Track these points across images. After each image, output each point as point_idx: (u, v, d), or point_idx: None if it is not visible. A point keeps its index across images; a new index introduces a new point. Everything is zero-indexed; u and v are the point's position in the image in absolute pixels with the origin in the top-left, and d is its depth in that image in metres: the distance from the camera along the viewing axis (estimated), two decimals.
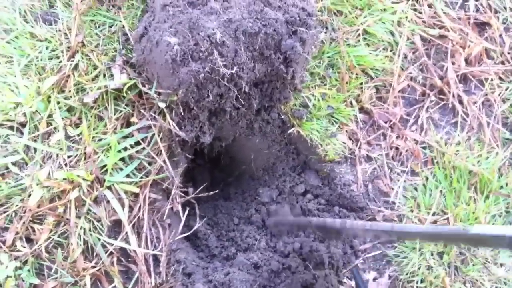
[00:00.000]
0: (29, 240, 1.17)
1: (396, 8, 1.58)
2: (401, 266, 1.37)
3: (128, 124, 1.27)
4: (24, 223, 1.15)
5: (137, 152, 1.25)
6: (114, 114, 1.25)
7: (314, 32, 1.23)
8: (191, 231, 1.28)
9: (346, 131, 1.47)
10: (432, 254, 1.38)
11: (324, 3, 1.51)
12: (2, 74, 1.23)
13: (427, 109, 1.56)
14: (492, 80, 1.60)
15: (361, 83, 1.51)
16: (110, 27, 1.33)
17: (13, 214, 1.16)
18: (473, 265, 1.38)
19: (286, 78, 1.24)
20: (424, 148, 1.51)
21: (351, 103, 1.49)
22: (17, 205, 1.16)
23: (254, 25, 1.13)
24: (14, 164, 1.19)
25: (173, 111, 1.25)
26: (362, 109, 1.51)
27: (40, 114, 1.21)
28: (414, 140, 1.51)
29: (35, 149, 1.20)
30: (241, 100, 1.22)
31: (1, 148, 1.19)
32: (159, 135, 1.25)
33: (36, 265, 1.17)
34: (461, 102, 1.57)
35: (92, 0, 1.31)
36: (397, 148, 1.51)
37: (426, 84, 1.58)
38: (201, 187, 1.30)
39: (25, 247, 1.15)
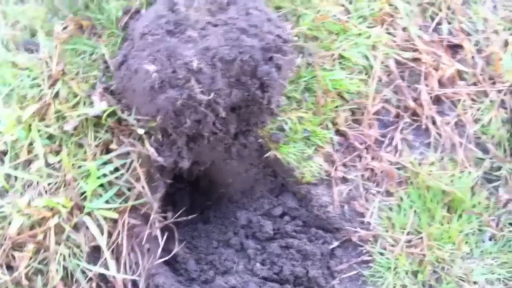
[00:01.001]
0: (9, 268, 1.19)
1: (371, 33, 1.62)
2: (376, 285, 1.40)
3: (108, 150, 1.29)
4: (4, 250, 1.17)
5: (116, 178, 1.27)
6: (94, 141, 1.28)
7: (290, 58, 1.26)
8: (169, 255, 1.30)
9: (323, 153, 1.51)
10: (406, 273, 1.41)
11: (301, 29, 1.55)
12: None
13: (401, 131, 1.59)
14: (464, 101, 1.65)
15: (337, 106, 1.55)
16: (91, 55, 1.36)
17: None
18: (447, 283, 1.41)
19: (263, 103, 1.27)
20: (398, 168, 1.55)
21: (327, 126, 1.53)
22: None
23: (231, 52, 1.16)
24: None
25: (152, 137, 1.28)
26: (338, 132, 1.55)
27: (21, 142, 1.23)
28: (389, 161, 1.55)
29: (16, 177, 1.22)
30: (219, 125, 1.25)
31: None
32: (138, 161, 1.28)
33: None
34: (434, 123, 1.61)
35: (74, 29, 1.34)
36: (372, 169, 1.54)
37: (400, 106, 1.63)
38: (180, 212, 1.33)
39: (5, 275, 1.17)
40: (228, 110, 1.27)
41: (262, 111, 1.34)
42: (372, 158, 1.55)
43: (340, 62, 1.58)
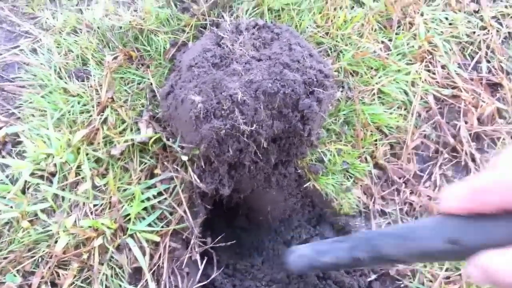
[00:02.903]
0: (53, 285, 1.23)
1: (410, 69, 1.66)
2: None
3: (152, 175, 1.34)
4: (49, 268, 1.21)
5: (159, 202, 1.32)
6: (139, 166, 1.32)
7: (330, 92, 1.30)
8: (208, 280, 1.32)
9: (361, 185, 1.52)
10: None
11: (341, 64, 1.59)
12: (36, 127, 1.31)
13: (440, 166, 1.61)
14: (504, 139, 1.66)
15: (376, 140, 1.57)
16: (139, 84, 1.42)
17: (40, 259, 1.23)
18: None
19: (303, 135, 1.31)
20: (437, 204, 1.53)
21: (365, 159, 1.55)
22: (43, 251, 1.22)
23: (274, 85, 1.21)
24: (42, 211, 1.26)
25: (195, 164, 1.33)
26: (376, 165, 1.57)
27: (69, 164, 1.28)
28: (428, 196, 1.55)
29: (63, 198, 1.27)
30: (260, 155, 1.29)
31: (31, 196, 1.26)
32: (180, 187, 1.32)
33: None
34: (473, 160, 1.62)
35: (123, 59, 1.40)
36: (411, 204, 1.55)
37: (440, 142, 1.64)
38: (219, 238, 1.35)
39: None
40: (269, 140, 1.31)
41: (302, 143, 1.38)
42: (411, 193, 1.56)
43: (379, 97, 1.62)
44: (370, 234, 0.82)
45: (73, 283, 1.22)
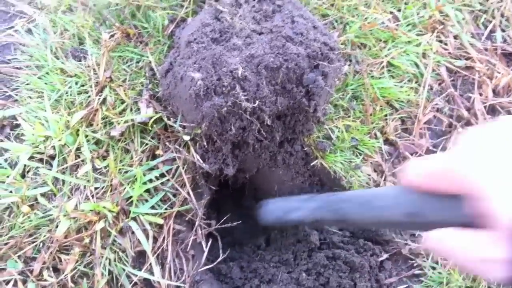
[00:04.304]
0: (55, 270, 1.23)
1: (420, 40, 1.63)
2: None
3: (154, 156, 1.34)
4: (51, 253, 1.21)
5: (162, 184, 1.31)
6: (140, 147, 1.32)
7: (336, 66, 1.28)
8: (214, 263, 1.31)
9: (371, 163, 1.51)
10: None
11: (348, 37, 1.57)
12: (33, 109, 1.31)
13: (454, 141, 1.57)
14: None
15: (386, 115, 1.55)
16: (138, 62, 1.41)
17: (41, 244, 1.23)
18: None
19: (309, 111, 1.29)
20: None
21: (375, 135, 1.53)
22: (45, 236, 1.23)
23: (276, 60, 1.19)
24: (43, 195, 1.26)
25: (197, 144, 1.32)
26: (387, 141, 1.55)
27: (68, 147, 1.28)
28: None
29: (63, 181, 1.27)
30: (264, 133, 1.27)
31: (31, 180, 1.26)
32: (183, 167, 1.32)
33: None
34: None
35: (120, 37, 1.39)
36: None
37: (453, 115, 1.62)
38: (224, 218, 1.35)
39: (51, 277, 1.21)
40: (274, 117, 1.29)
41: (308, 119, 1.36)
42: None
43: (389, 70, 1.60)
44: (336, 197, 0.85)
45: (75, 268, 1.22)
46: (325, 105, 1.38)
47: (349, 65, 1.56)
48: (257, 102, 1.18)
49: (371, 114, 1.53)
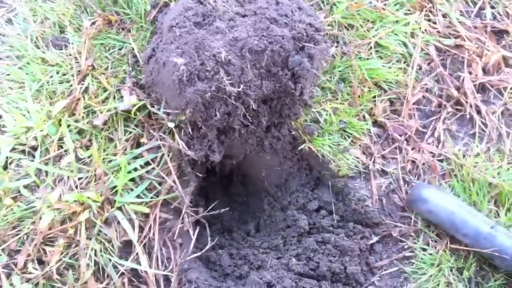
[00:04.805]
0: (40, 262, 1.23)
1: (409, 20, 1.61)
2: (419, 283, 1.38)
3: (138, 145, 1.33)
4: (35, 245, 1.20)
5: (147, 172, 1.30)
6: (124, 135, 1.31)
7: (323, 47, 1.26)
8: (202, 251, 1.31)
9: (360, 145, 1.50)
10: (451, 270, 1.38)
11: (334, 18, 1.55)
12: (14, 99, 1.30)
13: (444, 121, 1.57)
14: (511, 89, 1.60)
15: (374, 97, 1.54)
16: (120, 49, 1.40)
17: (25, 236, 1.22)
18: (495, 281, 1.38)
19: (295, 94, 1.28)
20: (441, 161, 1.52)
21: (364, 117, 1.52)
22: (28, 228, 1.22)
23: (260, 42, 1.17)
24: (25, 187, 1.25)
25: (182, 131, 1.31)
26: (375, 123, 1.54)
27: (51, 137, 1.27)
28: (431, 152, 1.53)
29: (46, 172, 1.26)
30: (250, 118, 1.26)
31: (13, 171, 1.25)
32: (168, 155, 1.31)
33: (47, 287, 1.21)
34: (479, 112, 1.58)
35: (102, 24, 1.37)
36: (413, 162, 1.53)
37: (442, 95, 1.60)
38: (212, 205, 1.34)
39: (36, 269, 1.20)
40: (259, 102, 1.28)
41: (295, 103, 1.34)
42: (413, 150, 1.53)
43: (377, 51, 1.58)
44: None
45: (61, 259, 1.21)
46: (312, 88, 1.36)
47: (336, 46, 1.54)
48: (241, 86, 1.17)
49: (359, 96, 1.51)
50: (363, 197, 1.47)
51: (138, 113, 1.30)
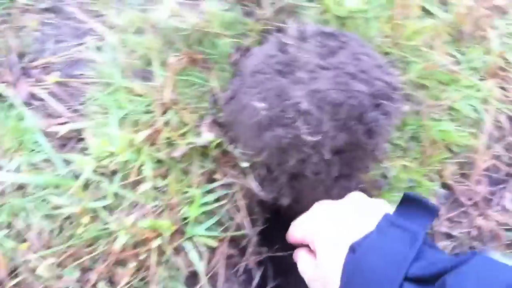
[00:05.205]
0: (110, 282, 1.33)
1: (482, 86, 1.71)
2: None
3: (212, 180, 1.44)
4: (107, 265, 1.32)
5: (218, 207, 1.42)
6: (199, 170, 1.42)
7: (398, 106, 1.35)
8: None
9: None
10: None
11: (409, 77, 1.66)
12: (100, 124, 1.44)
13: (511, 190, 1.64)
14: None
15: (444, 158, 1.64)
16: (202, 87, 1.53)
17: (98, 255, 1.33)
18: None
19: (368, 148, 1.36)
20: (507, 230, 1.58)
21: (432, 177, 1.62)
22: (102, 247, 1.33)
23: (339, 96, 1.26)
24: (103, 208, 1.37)
25: (255, 172, 1.41)
26: (443, 185, 1.64)
27: (131, 164, 1.40)
28: (497, 221, 1.59)
29: (124, 197, 1.38)
30: (322, 167, 1.34)
31: (92, 192, 1.38)
32: (240, 193, 1.41)
33: None
34: None
35: (187, 61, 1.51)
36: (479, 228, 1.60)
37: None
38: (276, 247, 1.47)
39: None
40: (333, 152, 1.36)
41: (367, 157, 1.43)
42: (479, 216, 1.61)
43: (449, 113, 1.68)
44: None
45: (130, 282, 1.32)
46: (384, 143, 1.45)
47: (409, 105, 1.65)
48: (318, 136, 1.25)
49: (429, 156, 1.60)
50: None
51: (214, 150, 1.42)
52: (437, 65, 1.69)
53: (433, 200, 1.59)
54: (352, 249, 0.86)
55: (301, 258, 1.16)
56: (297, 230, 1.19)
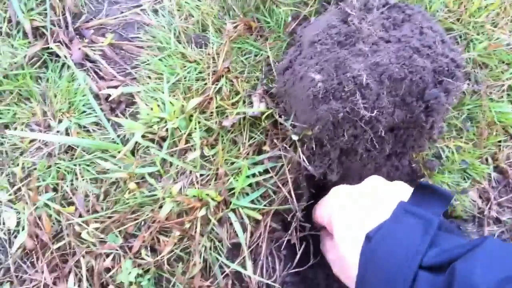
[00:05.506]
0: (153, 250, 1.29)
1: None
2: None
3: (260, 151, 1.37)
4: (151, 233, 1.26)
5: (264, 180, 1.34)
6: (248, 141, 1.34)
7: (460, 84, 1.24)
8: (305, 266, 1.32)
9: (477, 188, 1.46)
10: None
11: (471, 55, 1.52)
12: (151, 89, 1.36)
13: None
14: None
15: (500, 141, 1.52)
16: (256, 56, 1.44)
17: (142, 222, 1.28)
18: None
19: (425, 127, 1.27)
20: None
21: (486, 160, 1.50)
22: (147, 215, 1.27)
23: (401, 71, 1.17)
24: (150, 175, 1.31)
25: (305, 145, 1.33)
26: (497, 168, 1.52)
27: (180, 131, 1.33)
28: None
29: (171, 164, 1.31)
30: (375, 144, 1.26)
31: (140, 158, 1.31)
32: (287, 166, 1.32)
33: (156, 275, 1.28)
34: None
35: (243, 29, 1.41)
36: None
37: None
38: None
39: (149, 256, 1.25)
40: (387, 129, 1.28)
41: (422, 135, 1.34)
42: None
43: (508, 94, 1.55)
44: None
45: (172, 250, 1.27)
46: (441, 123, 1.35)
47: (468, 84, 1.51)
48: (375, 111, 1.18)
49: (484, 138, 1.48)
50: None
51: (265, 121, 1.34)
52: (501, 44, 1.54)
53: (484, 183, 1.46)
54: (368, 238, 0.83)
55: (322, 239, 1.20)
56: (316, 213, 1.17)
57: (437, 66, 1.22)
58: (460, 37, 1.57)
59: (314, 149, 1.32)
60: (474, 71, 1.54)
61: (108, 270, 1.27)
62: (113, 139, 1.33)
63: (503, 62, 1.58)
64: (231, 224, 1.29)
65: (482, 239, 0.75)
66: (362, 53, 1.22)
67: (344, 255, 0.89)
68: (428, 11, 1.54)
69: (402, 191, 1.01)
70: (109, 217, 1.27)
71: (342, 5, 1.32)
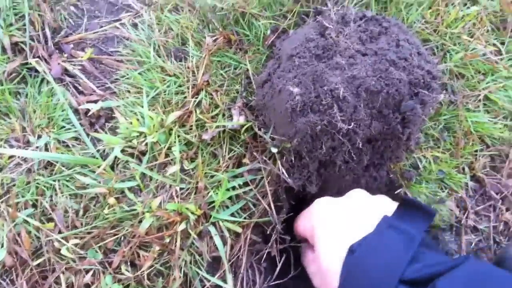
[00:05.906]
0: (133, 265, 1.23)
1: None
2: None
3: (240, 164, 1.30)
4: (131, 248, 1.20)
5: (244, 193, 1.28)
6: (228, 154, 1.28)
7: (436, 95, 1.19)
8: (286, 278, 1.27)
9: (455, 198, 1.39)
10: None
11: (447, 65, 1.46)
12: (130, 103, 1.28)
13: None
14: None
15: (476, 150, 1.45)
16: (235, 69, 1.38)
17: (122, 237, 1.21)
18: None
19: (402, 138, 1.21)
20: None
21: (463, 169, 1.43)
22: (127, 230, 1.22)
23: (377, 83, 1.12)
24: (130, 189, 1.23)
25: (284, 158, 1.27)
26: (473, 177, 1.45)
27: (160, 145, 1.26)
28: None
29: (151, 178, 1.25)
30: (353, 155, 1.20)
31: (120, 172, 1.23)
32: (267, 179, 1.25)
33: None
34: None
35: (222, 42, 1.34)
36: (506, 223, 1.42)
37: None
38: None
39: (129, 271, 1.19)
40: (365, 141, 1.21)
41: (399, 147, 1.28)
42: (507, 211, 1.41)
43: (484, 104, 1.48)
44: None
45: (152, 265, 1.20)
46: (418, 134, 1.28)
47: (444, 94, 1.44)
48: (352, 124, 1.12)
49: (461, 148, 1.41)
50: (451, 251, 1.38)
51: (244, 134, 1.28)
52: (477, 54, 1.47)
53: (461, 193, 1.38)
54: (351, 250, 0.80)
55: (303, 251, 1.13)
56: (298, 225, 1.11)
57: (413, 78, 1.16)
58: (437, 48, 1.51)
59: (293, 161, 1.26)
60: (451, 81, 1.47)
61: (88, 286, 1.20)
62: (92, 154, 1.26)
63: (479, 72, 1.51)
64: (211, 237, 1.22)
65: (463, 258, 0.74)
66: (339, 66, 1.16)
67: (326, 267, 0.85)
68: (405, 22, 1.47)
69: (386, 205, 0.98)
70: (89, 233, 1.20)
71: (320, 18, 1.25)
